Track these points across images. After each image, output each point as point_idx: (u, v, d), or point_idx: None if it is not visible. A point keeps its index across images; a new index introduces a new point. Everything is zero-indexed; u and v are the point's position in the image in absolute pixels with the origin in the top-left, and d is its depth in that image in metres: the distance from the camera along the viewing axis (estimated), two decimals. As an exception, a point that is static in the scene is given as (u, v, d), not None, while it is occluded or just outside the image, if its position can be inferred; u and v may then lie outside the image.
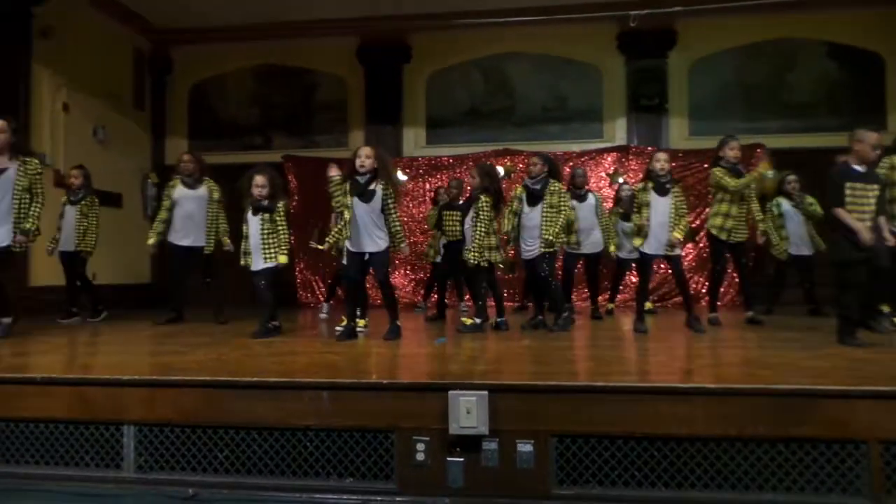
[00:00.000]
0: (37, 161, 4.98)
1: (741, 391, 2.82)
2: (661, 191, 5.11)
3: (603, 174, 8.49)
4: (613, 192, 7.88)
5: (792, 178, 6.55)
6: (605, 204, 6.87)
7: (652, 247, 5.11)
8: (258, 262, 4.99)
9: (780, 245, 6.46)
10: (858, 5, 7.95)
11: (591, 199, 6.52)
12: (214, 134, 9.44)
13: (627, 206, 6.56)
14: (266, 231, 4.95)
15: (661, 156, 5.25)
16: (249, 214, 4.99)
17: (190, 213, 5.99)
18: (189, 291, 6.34)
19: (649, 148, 8.50)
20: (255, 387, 3.08)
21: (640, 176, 8.19)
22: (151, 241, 5.98)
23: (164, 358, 3.96)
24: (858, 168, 4.14)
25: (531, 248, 5.27)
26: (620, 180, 8.09)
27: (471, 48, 9.11)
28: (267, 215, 4.95)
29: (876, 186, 4.16)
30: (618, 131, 8.92)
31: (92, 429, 3.17)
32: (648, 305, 6.89)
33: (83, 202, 6.25)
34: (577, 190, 6.49)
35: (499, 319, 5.34)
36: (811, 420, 2.75)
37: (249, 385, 3.08)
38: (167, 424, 3.11)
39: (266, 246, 4.95)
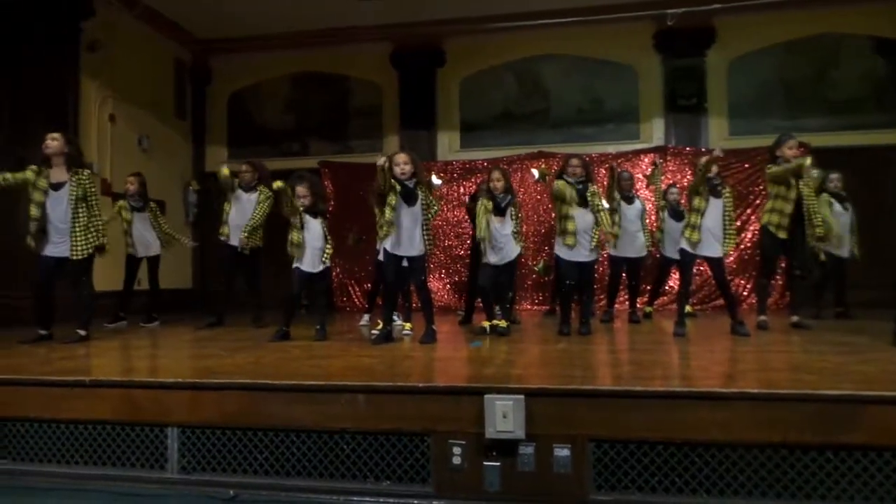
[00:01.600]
0: (87, 171, 5.11)
1: (785, 396, 2.74)
2: (715, 193, 5.03)
3: (640, 175, 8.35)
4: (651, 193, 7.76)
5: (835, 176, 6.37)
6: (648, 206, 6.79)
7: (699, 248, 5.02)
8: (316, 265, 5.08)
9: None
10: (906, -4, 7.67)
11: (637, 203, 6.45)
12: (253, 141, 9.64)
13: (676, 207, 6.48)
14: (325, 235, 5.11)
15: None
16: (308, 218, 5.07)
17: (237, 216, 6.18)
18: (231, 296, 6.48)
19: (687, 148, 8.35)
20: (292, 390, 3.12)
21: (679, 177, 8.11)
22: (225, 231, 6.20)
23: (206, 361, 4.05)
24: None
25: (587, 250, 5.21)
26: (659, 182, 7.95)
27: (504, 51, 9.08)
28: (324, 220, 5.13)
29: None
30: (655, 132, 8.77)
31: (138, 430, 3.26)
32: (689, 309, 6.76)
33: (149, 210, 6.49)
34: (626, 193, 6.42)
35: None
36: (860, 427, 2.65)
37: (287, 388, 3.13)
38: (209, 426, 3.18)
39: (324, 250, 5.10)
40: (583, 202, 5.16)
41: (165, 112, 9.17)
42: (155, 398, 3.23)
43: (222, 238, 6.23)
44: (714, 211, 5.01)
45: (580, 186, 5.17)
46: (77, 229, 4.94)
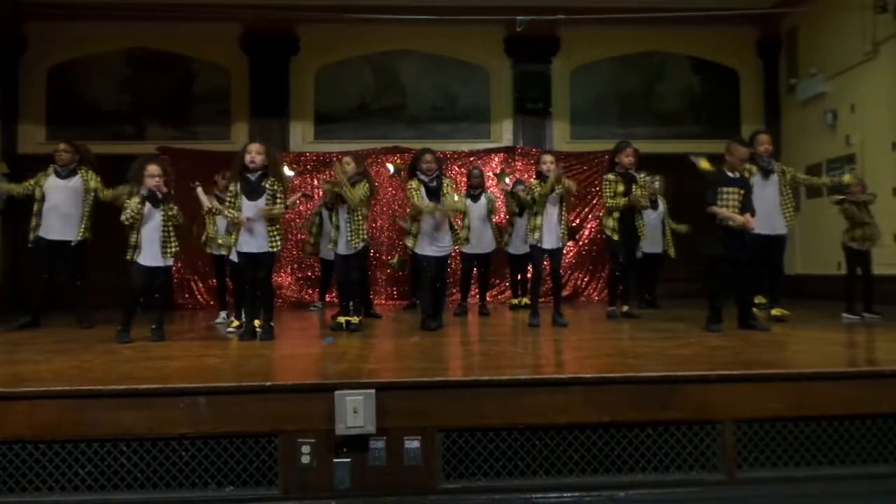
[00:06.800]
0: None
1: (614, 380, 3.00)
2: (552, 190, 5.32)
3: (490, 174, 8.69)
4: (500, 193, 8.12)
5: (648, 178, 7.04)
6: (498, 203, 7.06)
7: (545, 243, 5.29)
8: (156, 259, 4.63)
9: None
10: (718, 24, 8.71)
11: (483, 199, 6.67)
12: (79, 121, 8.61)
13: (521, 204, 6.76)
14: (168, 225, 4.66)
15: (547, 157, 5.47)
16: (148, 207, 4.61)
17: (56, 204, 5.55)
18: (50, 293, 5.78)
19: (534, 150, 8.83)
20: (121, 395, 2.85)
21: (525, 177, 8.54)
22: (32, 236, 5.59)
23: (15, 367, 3.57)
24: (730, 174, 4.74)
25: (444, 244, 5.26)
26: (507, 180, 8.33)
27: (361, 43, 8.99)
28: (169, 207, 4.69)
29: (743, 190, 4.74)
30: (504, 132, 9.18)
31: (-77, 451, 2.80)
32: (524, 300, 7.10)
33: None
34: (473, 190, 6.62)
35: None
36: (675, 404, 2.98)
37: (115, 393, 2.85)
38: (17, 441, 2.80)
39: (166, 241, 4.66)
40: (435, 198, 5.25)
41: (-34, 83, 7.93)
42: (-54, 413, 2.78)
43: (31, 245, 5.57)
44: (552, 207, 5.30)
45: (433, 183, 5.25)
46: None
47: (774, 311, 5.56)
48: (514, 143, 9.02)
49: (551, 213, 5.27)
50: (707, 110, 9.29)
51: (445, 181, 5.31)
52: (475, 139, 9.12)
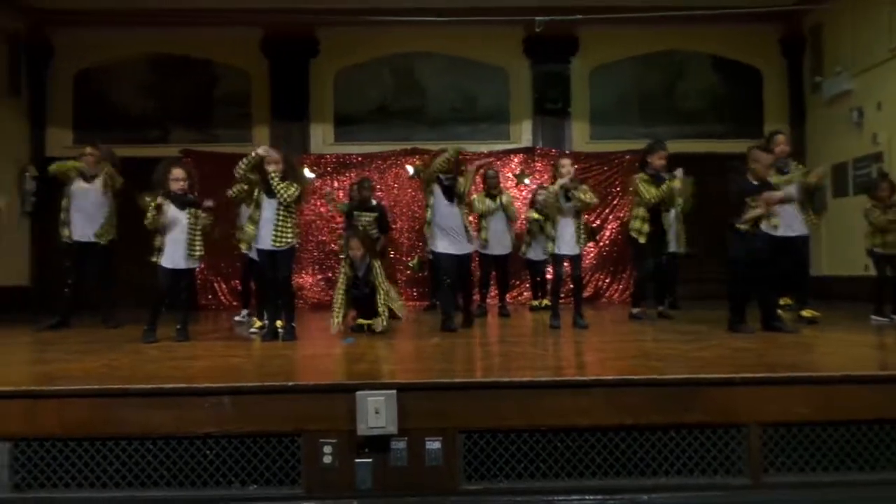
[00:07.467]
0: None
1: (636, 382, 2.98)
2: (567, 198, 5.28)
3: (510, 175, 8.68)
4: (519, 193, 8.12)
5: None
6: (515, 204, 7.06)
7: (562, 248, 5.26)
8: (181, 261, 4.73)
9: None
10: (739, 22, 8.61)
11: (498, 201, 6.67)
12: (105, 125, 8.78)
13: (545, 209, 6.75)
14: (193, 228, 4.75)
15: (565, 161, 5.43)
16: (173, 209, 4.71)
17: (81, 206, 5.68)
18: (79, 294, 5.90)
19: (553, 150, 8.80)
20: (149, 394, 2.90)
21: (545, 177, 8.51)
22: (65, 232, 5.72)
23: (47, 367, 3.66)
24: (754, 183, 4.68)
25: (462, 244, 5.24)
26: (527, 181, 8.30)
27: (380, 45, 9.04)
28: (195, 210, 4.77)
29: None
30: (524, 133, 9.16)
31: (-42, 448, 2.87)
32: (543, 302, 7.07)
33: None
34: (491, 191, 6.63)
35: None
36: (698, 407, 2.94)
37: (143, 393, 2.90)
38: (48, 439, 2.86)
39: (192, 244, 4.75)
40: (450, 197, 5.23)
41: (-5, 88, 8.12)
42: (-20, 410, 2.85)
43: (65, 240, 5.69)
44: (568, 220, 5.25)
45: (448, 182, 5.25)
46: None
47: (804, 313, 5.44)
48: (534, 144, 8.99)
49: (566, 223, 5.23)
50: (730, 109, 9.18)
51: (460, 179, 5.31)
52: (494, 140, 9.12)
